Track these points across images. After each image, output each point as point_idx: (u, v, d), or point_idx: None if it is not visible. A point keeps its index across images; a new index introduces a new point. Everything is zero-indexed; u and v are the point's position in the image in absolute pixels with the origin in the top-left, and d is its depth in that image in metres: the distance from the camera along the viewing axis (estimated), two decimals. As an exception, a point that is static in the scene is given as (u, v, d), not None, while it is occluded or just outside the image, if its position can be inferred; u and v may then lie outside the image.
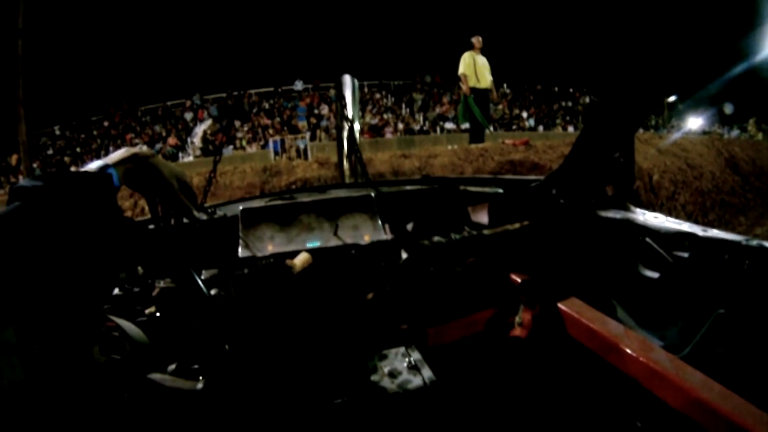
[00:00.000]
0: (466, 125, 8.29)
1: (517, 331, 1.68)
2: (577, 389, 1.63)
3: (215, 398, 0.94)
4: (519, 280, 1.70)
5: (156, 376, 0.91)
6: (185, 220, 1.08)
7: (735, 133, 22.34)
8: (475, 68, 7.57)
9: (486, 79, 7.66)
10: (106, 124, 17.76)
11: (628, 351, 1.40)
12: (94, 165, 0.85)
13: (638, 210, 1.81)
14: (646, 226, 1.65)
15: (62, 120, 18.21)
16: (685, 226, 1.60)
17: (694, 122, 22.41)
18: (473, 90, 7.54)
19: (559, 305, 1.63)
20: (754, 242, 1.41)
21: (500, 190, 1.91)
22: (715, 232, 1.51)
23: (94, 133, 17.54)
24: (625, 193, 1.89)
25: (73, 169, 0.83)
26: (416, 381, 1.18)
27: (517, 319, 1.70)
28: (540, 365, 1.69)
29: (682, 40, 1.58)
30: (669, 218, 1.72)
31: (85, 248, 0.72)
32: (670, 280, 1.57)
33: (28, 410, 0.66)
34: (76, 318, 0.71)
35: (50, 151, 16.90)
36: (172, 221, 1.07)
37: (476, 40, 7.70)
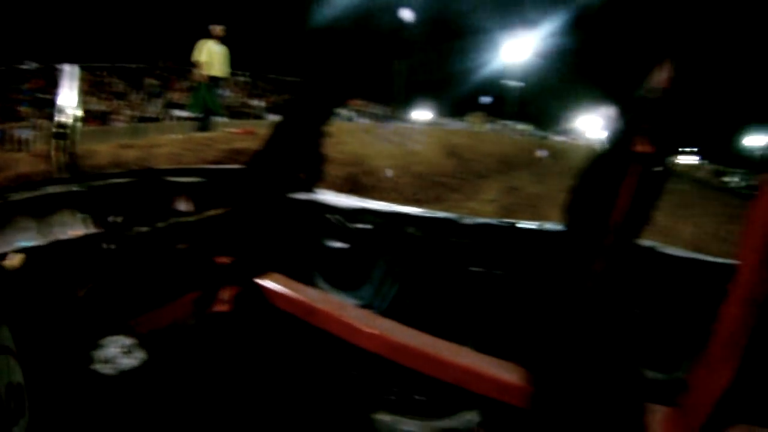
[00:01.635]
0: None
1: (220, 306, 1.82)
2: (288, 350, 1.81)
3: None
4: (223, 262, 1.84)
5: None
6: None
7: (459, 124, 24.84)
8: (211, 56, 7.47)
9: (222, 68, 7.62)
10: None
11: (325, 311, 1.64)
12: None
13: (324, 191, 2.02)
14: (330, 204, 1.92)
15: None
16: (362, 203, 1.89)
17: (422, 114, 25.20)
18: (208, 78, 7.46)
19: (260, 281, 1.81)
20: (420, 212, 1.80)
21: (203, 179, 1.99)
22: (388, 206, 1.84)
23: None
24: (314, 178, 2.10)
25: None
26: (130, 362, 1.29)
27: (220, 296, 1.83)
28: (248, 334, 1.83)
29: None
30: (349, 196, 1.98)
31: None
32: (355, 249, 1.87)
33: None
34: None
35: None
36: None
37: (217, 28, 7.57)
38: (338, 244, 1.91)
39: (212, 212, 1.88)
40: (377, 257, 1.86)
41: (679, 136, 1.21)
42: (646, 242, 1.58)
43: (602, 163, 1.31)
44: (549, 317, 1.32)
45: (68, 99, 2.51)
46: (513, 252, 1.66)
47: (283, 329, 1.81)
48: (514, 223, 1.70)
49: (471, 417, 1.61)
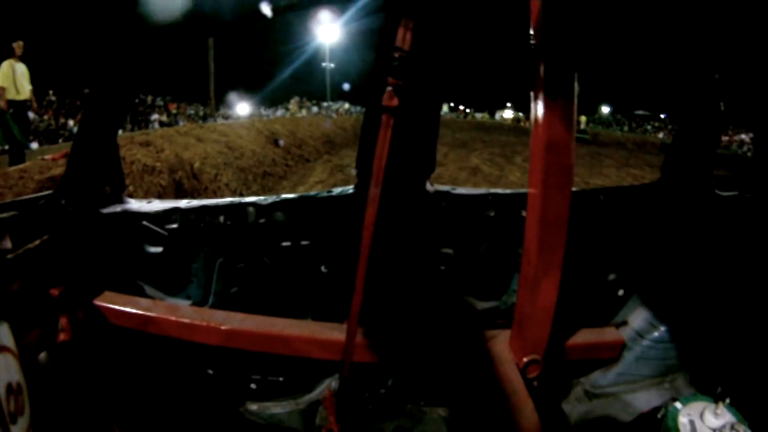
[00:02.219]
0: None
1: (62, 336, 1.73)
2: (137, 363, 1.80)
3: None
4: (56, 293, 1.74)
5: None
6: None
7: (279, 112, 24.95)
8: (14, 78, 6.84)
9: (25, 90, 6.97)
10: None
11: (160, 317, 1.65)
12: None
13: (132, 200, 1.98)
14: (141, 211, 1.86)
15: None
16: (171, 204, 1.88)
17: (242, 108, 24.70)
18: (12, 104, 6.86)
19: (95, 302, 1.76)
20: (225, 201, 1.80)
21: (15, 212, 1.85)
22: (195, 202, 1.86)
23: None
24: (119, 188, 2.03)
25: None
26: None
27: (59, 326, 1.75)
28: (94, 356, 1.77)
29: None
30: (159, 201, 1.95)
31: None
32: (171, 249, 1.84)
33: None
34: None
35: None
36: None
37: (17, 46, 7.03)
38: (155, 249, 1.88)
39: (31, 244, 1.78)
40: (194, 253, 1.85)
41: (429, 90, 1.36)
42: (441, 187, 1.67)
43: (366, 119, 1.44)
44: (354, 273, 1.34)
45: None
46: (316, 221, 1.71)
47: (128, 345, 1.79)
48: (313, 195, 1.75)
49: (330, 383, 1.71)
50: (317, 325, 1.58)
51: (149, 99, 21.99)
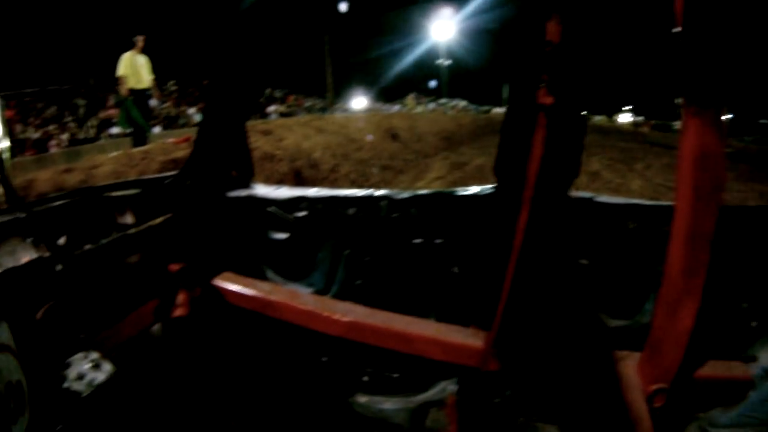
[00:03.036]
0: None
1: (178, 311, 1.84)
2: (252, 346, 1.86)
3: None
4: (176, 268, 1.85)
5: None
6: None
7: (396, 107, 24.87)
8: (134, 69, 7.24)
9: (146, 79, 7.39)
10: None
11: (281, 302, 1.66)
12: None
13: (260, 185, 2.04)
14: (269, 197, 1.93)
15: None
16: (299, 191, 1.92)
17: (359, 102, 25.10)
18: (133, 92, 7.23)
19: (214, 281, 1.83)
20: (358, 193, 1.80)
21: (140, 190, 1.98)
22: (325, 192, 1.88)
23: None
24: (246, 173, 2.12)
25: None
26: (100, 376, 1.31)
27: (176, 301, 1.87)
28: (209, 334, 1.88)
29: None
30: (287, 187, 1.98)
31: None
32: (299, 237, 1.88)
33: None
34: None
35: None
36: None
37: (139, 40, 7.34)
38: (281, 235, 1.93)
39: (154, 221, 1.89)
40: (321, 242, 1.87)
41: (581, 88, 1.24)
42: (583, 193, 1.60)
43: (513, 118, 1.35)
44: (495, 278, 1.29)
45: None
46: (452, 219, 1.66)
47: (243, 326, 1.83)
48: (450, 192, 1.70)
49: (446, 387, 1.65)
50: (442, 327, 1.48)
51: (268, 90, 22.55)
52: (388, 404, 1.70)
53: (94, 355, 1.41)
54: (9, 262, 1.59)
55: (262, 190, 2.03)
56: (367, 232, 1.76)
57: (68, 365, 1.38)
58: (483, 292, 1.38)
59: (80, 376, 1.33)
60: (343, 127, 8.95)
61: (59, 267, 1.65)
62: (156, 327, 1.88)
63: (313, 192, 1.89)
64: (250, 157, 2.15)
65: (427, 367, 1.56)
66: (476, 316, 1.39)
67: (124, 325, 1.79)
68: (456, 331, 1.44)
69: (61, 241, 1.81)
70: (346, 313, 1.56)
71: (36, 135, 15.18)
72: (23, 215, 1.74)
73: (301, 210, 1.89)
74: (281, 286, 1.84)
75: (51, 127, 16.02)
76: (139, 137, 7.41)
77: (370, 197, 1.76)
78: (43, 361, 1.40)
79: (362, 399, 1.73)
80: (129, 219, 1.97)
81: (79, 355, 1.42)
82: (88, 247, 1.74)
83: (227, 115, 1.97)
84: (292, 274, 1.94)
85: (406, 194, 1.72)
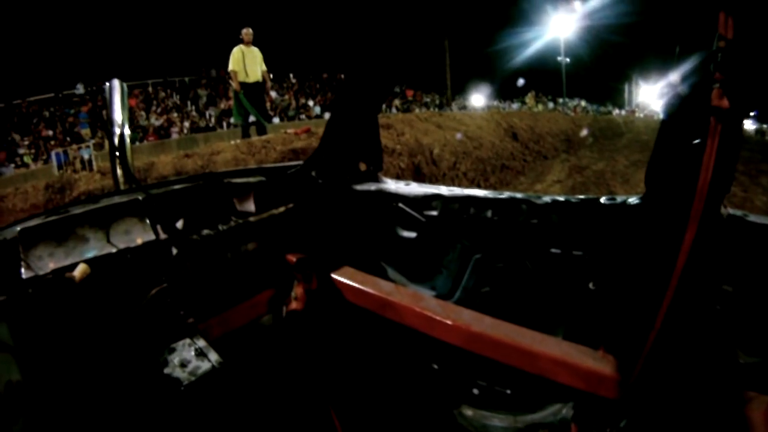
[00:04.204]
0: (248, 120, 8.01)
1: (294, 305, 1.83)
2: (364, 345, 1.81)
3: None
4: (294, 259, 1.83)
5: None
6: None
7: (515, 105, 24.42)
8: (244, 62, 7.33)
9: (256, 73, 7.44)
10: None
11: (402, 304, 1.59)
12: None
13: (389, 180, 1.96)
14: (398, 193, 1.85)
15: None
16: (432, 189, 1.81)
17: (477, 99, 24.49)
18: (243, 85, 7.32)
19: (333, 275, 1.80)
20: (494, 194, 1.65)
21: (264, 179, 1.97)
22: (459, 191, 1.74)
23: None
24: (375, 167, 2.06)
25: None
26: (205, 365, 1.26)
27: (293, 294, 1.85)
28: (323, 329, 1.84)
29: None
30: (417, 184, 1.87)
31: None
32: (427, 237, 1.79)
33: None
34: None
35: None
36: None
37: (245, 33, 7.43)
38: (408, 233, 1.84)
39: (276, 210, 1.86)
40: (450, 244, 1.75)
41: (757, 88, 1.07)
42: (732, 211, 1.37)
43: (679, 124, 1.20)
44: (637, 300, 1.22)
45: (118, 114, 2.63)
46: (594, 230, 1.49)
47: (359, 324, 1.78)
48: (594, 199, 1.52)
49: (560, 410, 1.51)
50: (569, 347, 1.34)
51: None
52: (496, 421, 1.60)
53: (201, 343, 1.37)
54: (123, 242, 1.62)
55: (392, 185, 1.95)
56: (502, 237, 1.63)
57: (172, 350, 1.35)
58: (621, 314, 1.30)
59: (183, 364, 1.30)
60: (462, 125, 8.69)
61: (175, 250, 1.67)
62: (266, 318, 1.87)
63: (445, 190, 1.78)
64: (381, 150, 2.08)
65: (543, 386, 1.42)
66: (607, 338, 1.29)
67: (235, 313, 1.77)
68: (584, 354, 1.32)
69: (179, 224, 1.82)
70: (471, 322, 1.47)
71: (158, 122, 15.89)
72: (142, 197, 1.75)
73: (432, 209, 1.79)
74: (403, 287, 1.73)
75: (173, 115, 16.76)
76: (254, 127, 7.55)
77: (510, 200, 1.62)
78: (145, 343, 1.40)
79: (468, 412, 1.64)
80: (250, 206, 1.93)
81: (185, 341, 1.40)
82: (206, 232, 1.75)
83: (360, 107, 1.90)
84: (416, 275, 1.85)
85: (546, 199, 1.58)
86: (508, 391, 1.60)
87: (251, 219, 1.83)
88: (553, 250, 1.55)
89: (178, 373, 1.25)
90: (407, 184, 1.92)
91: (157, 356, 1.33)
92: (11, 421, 0.71)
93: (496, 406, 1.62)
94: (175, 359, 1.30)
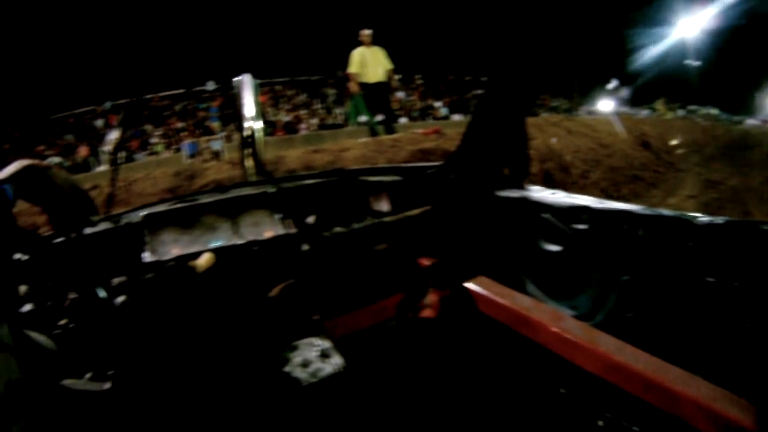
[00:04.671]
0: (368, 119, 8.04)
1: (427, 312, 1.75)
2: (494, 361, 1.69)
3: (125, 397, 0.96)
4: (427, 264, 1.77)
5: (67, 382, 0.91)
6: (81, 228, 1.13)
7: (645, 112, 23.13)
8: (365, 64, 7.29)
9: (378, 73, 7.37)
10: (15, 135, 16.55)
11: (540, 322, 1.49)
12: None
13: (535, 187, 1.84)
14: (544, 202, 1.71)
15: None
16: (581, 200, 1.66)
17: (605, 104, 23.24)
18: (364, 86, 7.29)
19: (468, 284, 1.71)
20: (649, 211, 1.49)
21: (399, 178, 1.92)
22: (610, 204, 1.58)
23: (5, 147, 16.12)
24: (521, 173, 1.94)
25: None
26: (327, 368, 1.23)
27: (426, 300, 1.74)
28: (453, 342, 1.74)
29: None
30: (565, 193, 1.75)
31: None
32: (572, 252, 1.64)
33: None
34: None
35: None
36: (69, 229, 1.11)
37: (363, 35, 7.37)
38: (552, 247, 1.70)
39: (412, 212, 1.80)
40: (597, 262, 1.59)
41: None
42: None
43: None
44: None
45: (249, 107, 2.64)
46: (755, 260, 1.29)
47: (491, 338, 1.69)
48: (754, 224, 1.33)
49: None
50: (717, 392, 1.16)
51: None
52: None
53: (325, 344, 1.33)
54: (251, 234, 1.61)
55: (536, 192, 1.82)
56: (654, 259, 1.45)
57: (294, 349, 1.32)
58: None
59: (305, 364, 1.26)
60: (593, 130, 8.36)
61: (305, 246, 1.63)
62: (394, 323, 1.80)
63: (594, 202, 1.63)
64: (528, 157, 1.96)
65: (675, 429, 1.26)
66: (757, 387, 1.14)
67: (362, 314, 1.72)
68: (730, 401, 1.16)
69: (310, 219, 1.76)
70: (613, 350, 1.34)
71: (286, 118, 16.41)
72: (272, 189, 1.74)
73: (580, 222, 1.62)
74: (542, 304, 1.63)
75: (300, 113, 17.28)
76: (374, 127, 7.51)
77: (664, 218, 1.46)
78: (266, 339, 1.37)
79: None
80: (384, 206, 1.87)
81: (309, 340, 1.36)
82: (338, 229, 1.71)
83: (505, 110, 1.80)
84: (556, 291, 1.70)
85: (704, 219, 1.39)
86: (636, 429, 1.44)
87: (386, 219, 1.77)
88: (709, 279, 1.37)
89: (299, 372, 1.22)
90: (553, 193, 1.80)
91: (278, 353, 1.30)
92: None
93: None
94: (296, 358, 1.27)
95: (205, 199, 1.69)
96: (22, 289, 1.18)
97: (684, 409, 1.21)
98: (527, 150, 1.93)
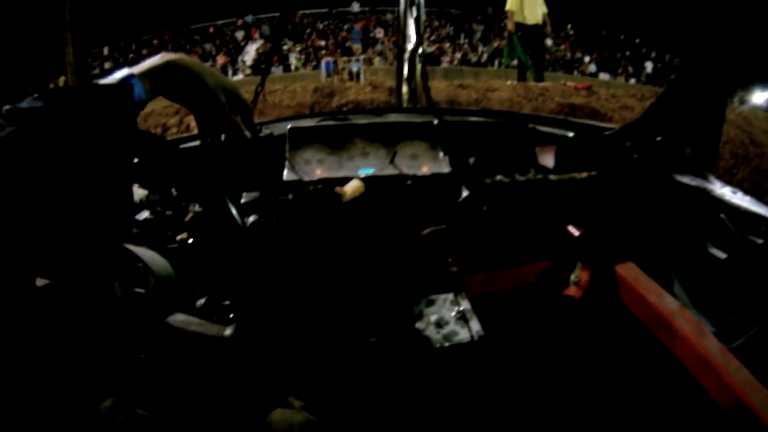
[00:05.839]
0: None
1: (572, 290, 1.62)
2: (620, 358, 1.56)
3: (244, 347, 0.82)
4: (577, 234, 1.61)
5: (179, 318, 0.80)
6: (237, 140, 0.92)
7: None
8: (522, 3, 6.97)
9: (536, 15, 7.04)
10: (155, 42, 17.49)
11: (681, 331, 1.34)
12: (118, 74, 0.72)
13: (717, 181, 1.62)
14: (723, 200, 1.48)
15: (110, 40, 17.88)
16: (763, 208, 1.43)
17: (761, 96, 20.55)
18: (520, 27, 6.97)
19: (617, 269, 1.53)
20: None
21: (570, 134, 1.79)
22: None
23: (143, 52, 17.14)
24: (706, 160, 1.71)
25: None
26: (464, 334, 1.10)
27: (573, 277, 1.63)
28: (588, 329, 1.60)
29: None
30: (750, 197, 1.54)
31: (94, 174, 0.60)
32: (737, 265, 1.42)
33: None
34: (89, 253, 0.60)
35: (98, 72, 16.53)
36: (221, 140, 0.92)
37: None
38: (718, 252, 1.47)
39: (578, 174, 1.63)
40: (760, 282, 1.38)
41: None
42: None
43: None
44: None
45: (413, 29, 2.51)
46: None
47: (626, 334, 1.52)
48: None
49: None
50: None
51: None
52: None
53: (465, 305, 1.18)
54: (408, 168, 1.50)
55: (718, 187, 1.56)
56: None
57: (431, 303, 1.19)
58: None
59: (439, 323, 1.13)
60: (747, 123, 7.57)
61: (465, 192, 1.50)
62: (532, 291, 1.64)
63: None
64: (717, 145, 1.70)
65: None
66: None
67: (502, 276, 1.59)
68: None
69: (471, 161, 1.66)
70: (744, 385, 1.17)
71: (430, 49, 16.09)
72: (436, 121, 1.60)
73: (759, 234, 1.39)
74: (688, 312, 1.43)
75: (444, 45, 17.09)
76: (524, 71, 7.25)
77: None
78: (404, 286, 1.24)
79: None
80: (550, 161, 1.72)
81: (448, 296, 1.22)
82: (499, 178, 1.55)
83: (710, 88, 1.55)
84: (702, 300, 1.51)
85: None
86: None
87: (551, 177, 1.61)
88: None
89: (431, 332, 1.10)
90: (734, 191, 1.57)
91: (413, 306, 1.18)
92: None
93: None
94: (432, 316, 1.15)
95: (358, 120, 1.59)
96: (141, 193, 1.11)
97: None
98: (719, 137, 1.71)
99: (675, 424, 1.41)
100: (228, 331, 0.79)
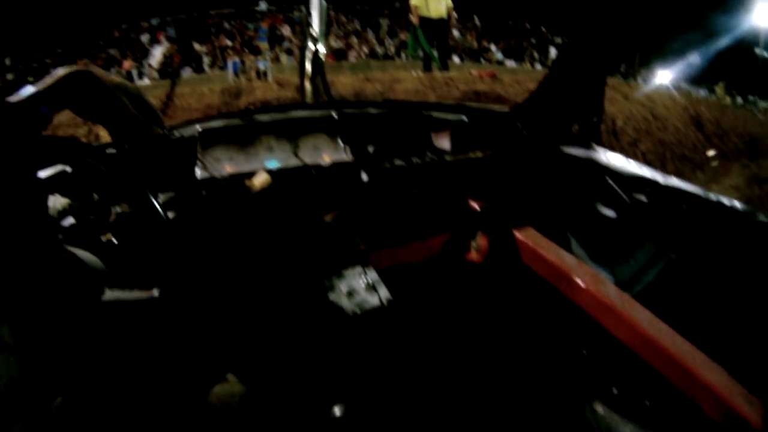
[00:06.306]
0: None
1: (473, 256, 1.79)
2: (527, 314, 1.70)
3: (171, 306, 0.93)
4: (478, 207, 1.78)
5: (111, 293, 0.87)
6: (144, 140, 1.00)
7: (702, 93, 22.29)
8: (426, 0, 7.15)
9: (439, 9, 7.21)
10: (59, 51, 16.58)
11: (580, 282, 1.48)
12: (23, 92, 0.76)
13: (601, 150, 1.80)
14: (609, 166, 1.69)
15: (11, 51, 16.77)
16: (647, 172, 1.64)
17: (664, 76, 22.35)
18: (424, 21, 7.14)
19: (515, 233, 1.71)
20: (713, 196, 1.46)
21: (464, 118, 1.89)
22: (675, 182, 1.55)
23: (47, 61, 16.08)
24: (590, 132, 1.94)
25: None
26: (373, 300, 1.21)
27: (473, 244, 1.80)
28: (493, 289, 1.76)
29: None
30: (631, 161, 1.72)
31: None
32: (626, 221, 1.63)
33: None
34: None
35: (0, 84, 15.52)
36: (129, 141, 1.02)
37: None
38: (607, 211, 1.67)
39: (473, 154, 1.79)
40: (649, 235, 1.56)
41: None
42: None
43: None
44: None
45: (316, 27, 2.73)
46: None
47: (531, 292, 1.68)
48: None
49: None
50: (734, 386, 1.15)
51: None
52: (628, 429, 1.43)
53: (372, 276, 1.30)
54: (310, 158, 1.59)
55: (602, 156, 1.76)
56: (708, 245, 1.42)
57: (341, 277, 1.30)
58: None
59: (350, 293, 1.24)
60: (649, 100, 8.12)
61: (365, 177, 1.62)
62: (437, 262, 1.78)
63: (660, 178, 1.58)
64: (601, 117, 1.93)
65: (686, 409, 1.27)
66: None
67: (407, 250, 1.71)
68: (746, 398, 1.14)
69: (370, 149, 1.76)
70: (646, 324, 1.32)
71: (337, 44, 16.22)
72: (336, 114, 1.70)
73: (642, 194, 1.58)
74: (585, 265, 1.59)
75: (352, 40, 17.11)
76: (429, 62, 7.41)
77: (732, 209, 1.41)
78: (315, 264, 1.34)
79: (599, 409, 1.49)
80: (446, 144, 1.84)
81: (356, 269, 1.33)
82: (398, 162, 1.70)
83: (588, 66, 1.74)
84: (600, 254, 1.69)
85: (763, 218, 1.35)
86: (647, 403, 1.46)
87: (447, 158, 1.75)
88: (757, 277, 1.33)
89: (344, 302, 1.20)
90: (620, 158, 1.76)
91: (325, 279, 1.29)
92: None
93: (629, 413, 1.48)
94: (342, 287, 1.26)
95: (263, 118, 1.67)
96: (63, 202, 1.14)
97: (700, 393, 1.22)
98: (602, 111, 1.91)
99: (588, 368, 1.55)
100: (155, 292, 0.89)
